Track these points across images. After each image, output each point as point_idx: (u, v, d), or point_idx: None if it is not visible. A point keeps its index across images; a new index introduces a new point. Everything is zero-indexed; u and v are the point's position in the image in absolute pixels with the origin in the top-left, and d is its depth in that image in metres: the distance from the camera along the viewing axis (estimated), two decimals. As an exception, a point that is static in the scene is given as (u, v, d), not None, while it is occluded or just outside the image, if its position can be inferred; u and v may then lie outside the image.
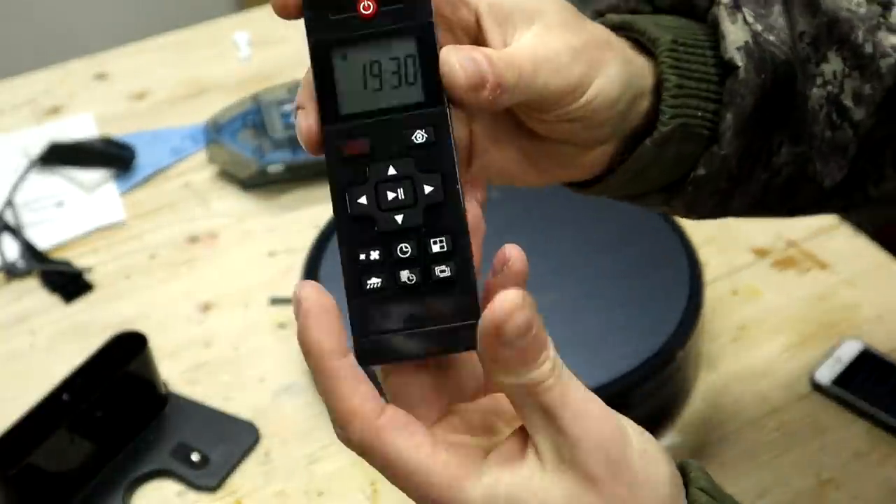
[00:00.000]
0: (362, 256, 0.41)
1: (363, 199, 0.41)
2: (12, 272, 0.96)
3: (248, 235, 1.01)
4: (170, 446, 0.80)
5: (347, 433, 0.40)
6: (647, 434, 0.41)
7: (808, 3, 0.54)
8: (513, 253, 0.42)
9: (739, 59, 0.50)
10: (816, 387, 0.83)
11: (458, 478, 0.40)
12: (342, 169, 0.41)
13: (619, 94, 0.48)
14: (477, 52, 0.42)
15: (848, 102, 0.54)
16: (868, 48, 0.53)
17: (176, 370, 0.86)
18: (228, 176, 1.06)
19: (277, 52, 1.24)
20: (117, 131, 1.12)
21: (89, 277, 0.96)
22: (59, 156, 1.07)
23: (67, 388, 0.76)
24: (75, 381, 0.77)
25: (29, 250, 0.98)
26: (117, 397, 0.79)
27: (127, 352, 0.79)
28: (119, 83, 1.21)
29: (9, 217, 1.02)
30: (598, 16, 0.55)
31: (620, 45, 0.49)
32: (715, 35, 0.51)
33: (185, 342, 0.89)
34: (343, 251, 0.41)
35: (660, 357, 0.77)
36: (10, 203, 1.03)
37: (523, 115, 0.48)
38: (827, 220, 0.98)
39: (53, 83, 1.21)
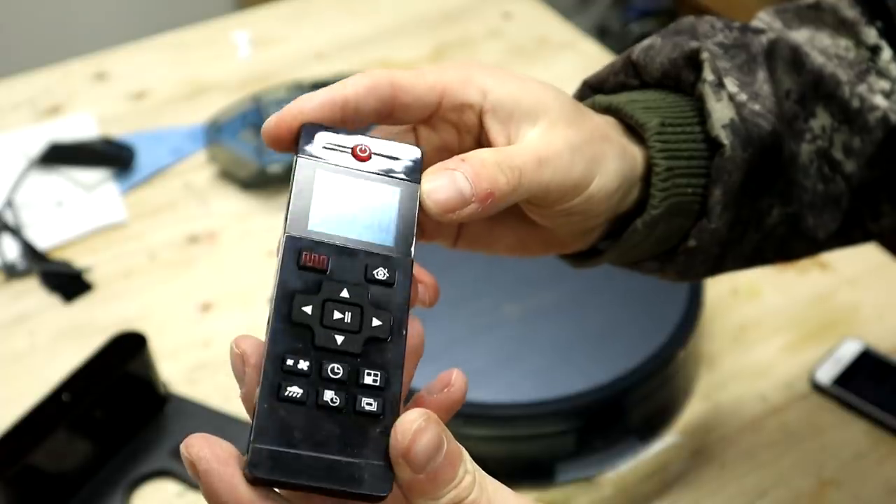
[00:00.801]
0: (289, 362, 0.38)
1: (308, 309, 0.40)
2: (12, 272, 0.96)
3: (248, 235, 1.01)
4: (170, 446, 0.79)
5: None
6: None
7: (793, 62, 0.54)
8: (458, 381, 0.42)
9: (725, 137, 0.50)
10: (816, 387, 0.83)
11: None
12: (296, 275, 0.40)
13: (616, 188, 0.49)
14: (463, 167, 0.43)
15: (838, 155, 0.54)
16: (855, 103, 0.53)
17: (176, 370, 0.86)
18: (228, 176, 1.06)
19: (277, 52, 1.24)
20: (117, 131, 1.12)
21: (89, 277, 0.96)
22: (59, 156, 1.07)
23: (67, 388, 0.76)
24: (75, 381, 0.77)
25: (29, 250, 0.98)
26: (117, 397, 0.79)
27: (127, 352, 0.79)
28: (119, 83, 1.21)
29: (9, 217, 1.02)
30: (587, 87, 0.56)
31: (617, 136, 0.50)
32: (702, 110, 0.51)
33: (185, 342, 0.89)
34: (269, 351, 0.39)
35: (660, 357, 0.77)
36: (9, 203, 1.03)
37: (525, 208, 0.49)
38: (827, 220, 0.98)
39: (53, 83, 1.21)
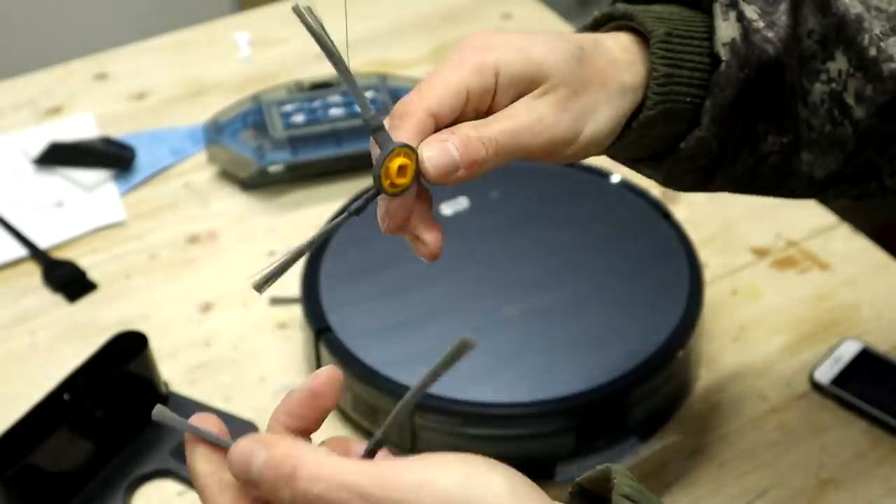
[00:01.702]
0: None
1: None
2: (13, 272, 0.96)
3: (248, 235, 1.01)
4: (170, 446, 0.80)
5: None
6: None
7: (821, 3, 0.56)
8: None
9: (724, 54, 0.53)
10: (816, 386, 0.83)
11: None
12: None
13: (612, 129, 0.53)
14: (453, 139, 0.48)
15: (850, 100, 0.56)
16: (872, 51, 0.55)
17: (176, 370, 0.86)
18: (228, 176, 1.06)
19: (277, 52, 1.24)
20: (117, 131, 1.12)
21: (90, 277, 0.96)
22: (59, 156, 1.07)
23: (68, 388, 0.77)
24: (76, 380, 0.77)
25: (29, 250, 0.98)
26: (117, 397, 0.79)
27: (127, 351, 0.79)
28: (119, 83, 1.21)
29: (9, 217, 1.02)
30: None
31: (617, 74, 0.53)
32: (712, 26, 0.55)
33: (185, 342, 0.89)
34: None
35: (660, 357, 0.77)
36: (9, 203, 1.03)
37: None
38: (827, 220, 0.98)
39: (53, 83, 1.21)
